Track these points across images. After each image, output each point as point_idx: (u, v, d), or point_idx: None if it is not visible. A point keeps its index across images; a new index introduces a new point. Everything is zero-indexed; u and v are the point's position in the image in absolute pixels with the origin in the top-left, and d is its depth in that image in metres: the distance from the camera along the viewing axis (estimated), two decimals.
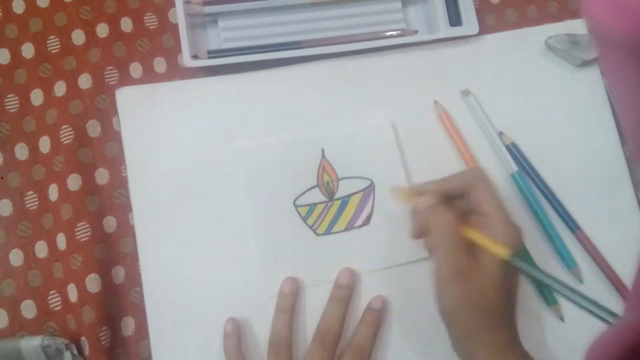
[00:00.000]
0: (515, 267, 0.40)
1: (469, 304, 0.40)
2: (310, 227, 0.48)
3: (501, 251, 0.40)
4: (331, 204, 0.49)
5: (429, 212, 0.42)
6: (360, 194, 0.49)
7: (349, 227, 0.49)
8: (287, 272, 0.47)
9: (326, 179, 0.49)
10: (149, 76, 0.51)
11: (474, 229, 0.41)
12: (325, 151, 0.50)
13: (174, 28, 0.51)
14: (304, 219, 0.48)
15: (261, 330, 0.46)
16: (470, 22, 0.51)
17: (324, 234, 0.48)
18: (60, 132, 0.49)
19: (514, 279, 0.42)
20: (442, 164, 0.50)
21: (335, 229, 0.49)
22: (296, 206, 0.48)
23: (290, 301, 0.46)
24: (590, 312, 0.38)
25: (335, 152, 0.50)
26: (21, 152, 0.49)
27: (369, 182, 0.49)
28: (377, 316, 0.46)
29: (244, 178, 0.48)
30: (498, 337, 0.40)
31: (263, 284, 0.47)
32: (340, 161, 0.49)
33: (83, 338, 0.46)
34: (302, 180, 0.49)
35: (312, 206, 0.49)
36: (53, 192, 0.48)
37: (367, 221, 0.49)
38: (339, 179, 0.49)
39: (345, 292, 0.46)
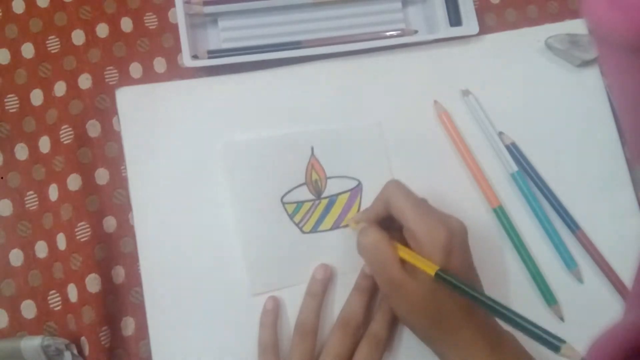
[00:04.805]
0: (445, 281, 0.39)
1: (415, 311, 0.41)
2: (297, 225, 0.48)
3: (428, 267, 0.39)
4: (318, 202, 0.49)
5: (359, 235, 0.43)
6: (348, 194, 0.49)
7: (335, 226, 0.49)
8: (272, 269, 0.47)
9: (314, 177, 0.49)
10: (149, 76, 0.51)
11: (403, 246, 0.41)
12: (315, 149, 0.49)
13: (174, 28, 0.51)
14: (291, 217, 0.48)
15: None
16: (470, 22, 0.51)
17: (310, 232, 0.48)
18: (60, 132, 0.49)
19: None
20: (442, 165, 0.50)
21: (321, 227, 0.48)
22: (283, 203, 0.48)
23: (321, 287, 0.46)
24: (522, 328, 0.37)
25: (325, 150, 0.49)
26: (21, 152, 0.49)
27: (356, 183, 0.49)
28: None
29: (231, 172, 0.48)
30: (459, 337, 0.40)
31: (245, 280, 0.47)
32: (329, 160, 0.49)
33: (83, 338, 0.46)
34: (291, 177, 0.49)
35: (300, 204, 0.48)
36: (53, 192, 0.48)
37: None
38: (327, 178, 0.49)
39: (370, 281, 0.46)
